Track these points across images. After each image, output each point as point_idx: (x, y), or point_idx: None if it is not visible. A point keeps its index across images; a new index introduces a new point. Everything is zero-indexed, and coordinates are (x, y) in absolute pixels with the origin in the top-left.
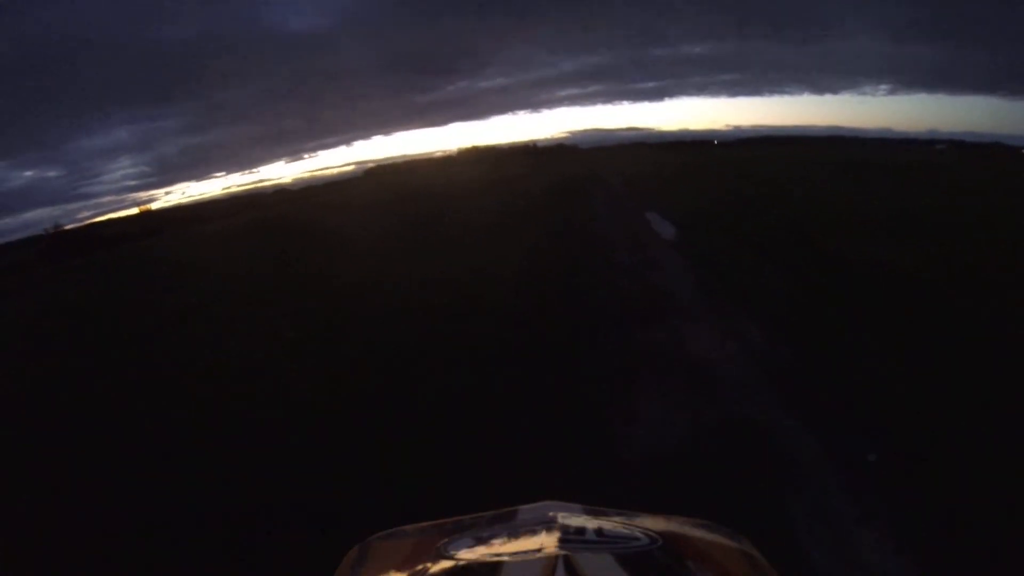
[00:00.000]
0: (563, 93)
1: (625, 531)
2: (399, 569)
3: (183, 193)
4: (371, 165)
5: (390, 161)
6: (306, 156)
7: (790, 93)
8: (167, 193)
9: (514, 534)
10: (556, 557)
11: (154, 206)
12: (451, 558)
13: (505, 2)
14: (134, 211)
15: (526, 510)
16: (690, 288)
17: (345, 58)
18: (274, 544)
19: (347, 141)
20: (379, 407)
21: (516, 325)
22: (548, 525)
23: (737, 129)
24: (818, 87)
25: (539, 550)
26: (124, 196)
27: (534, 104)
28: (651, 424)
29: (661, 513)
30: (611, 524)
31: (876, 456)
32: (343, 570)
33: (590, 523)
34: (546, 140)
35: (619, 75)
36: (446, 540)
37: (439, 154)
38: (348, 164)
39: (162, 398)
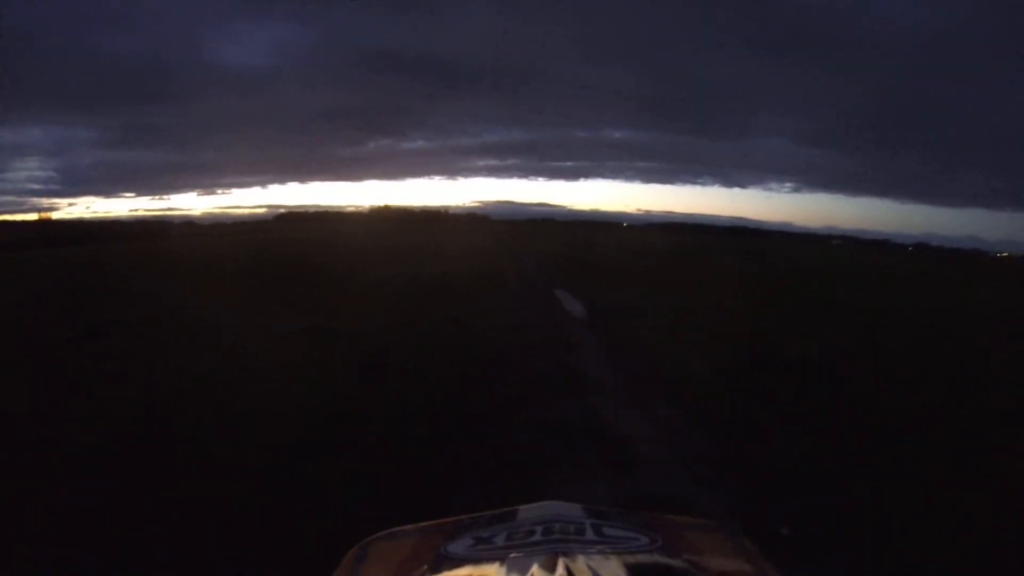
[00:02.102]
0: (481, 163)
1: (625, 531)
2: (399, 569)
3: (87, 208)
4: (283, 211)
5: (303, 209)
6: (219, 191)
7: (701, 184)
8: (70, 204)
9: (514, 534)
10: (556, 557)
11: (55, 215)
12: (451, 558)
13: (436, 68)
14: (33, 216)
15: (526, 510)
16: (601, 367)
17: (273, 101)
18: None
19: (263, 183)
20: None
21: (422, 396)
22: (548, 525)
23: (648, 214)
24: (727, 180)
25: (539, 551)
26: (25, 199)
27: (451, 171)
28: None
29: (661, 513)
30: (611, 524)
31: (788, 530)
32: (343, 570)
33: (590, 523)
34: (459, 208)
35: (538, 152)
36: (446, 540)
37: (352, 209)
38: (261, 206)
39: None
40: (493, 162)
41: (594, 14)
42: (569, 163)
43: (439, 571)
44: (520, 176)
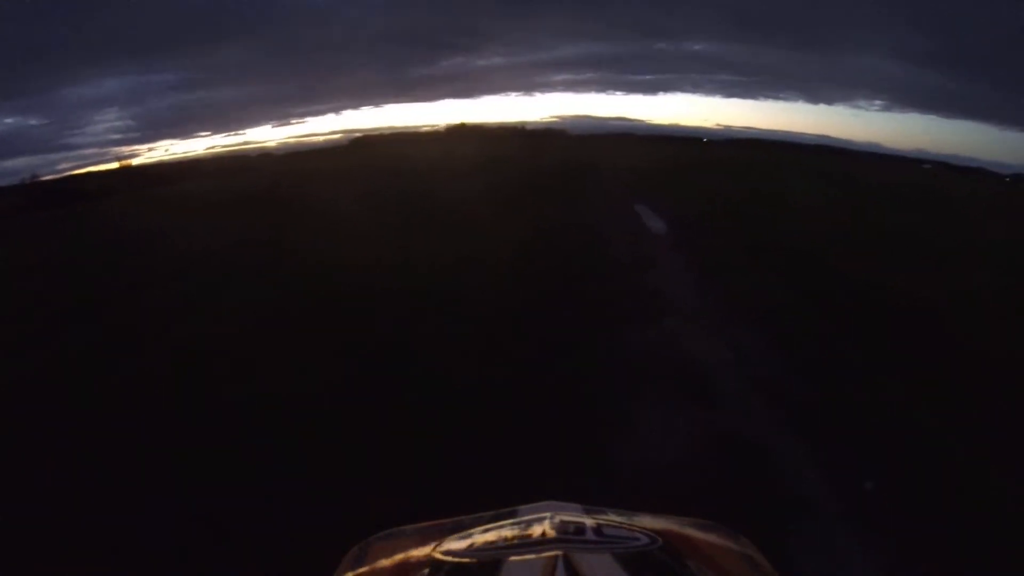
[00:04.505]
0: (558, 78)
1: (625, 531)
2: (399, 569)
3: (167, 150)
4: (359, 135)
5: (378, 132)
6: (294, 121)
7: (784, 99)
8: (150, 149)
9: (514, 534)
10: (556, 557)
11: (135, 161)
12: (451, 558)
13: None
14: (115, 165)
15: (526, 510)
16: (684, 289)
17: (339, 27)
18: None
19: (336, 110)
20: (360, 396)
21: (505, 317)
22: (548, 525)
23: (728, 129)
24: (813, 96)
25: (539, 550)
26: (107, 149)
27: (527, 87)
28: (645, 430)
29: (661, 513)
30: (611, 524)
31: (873, 484)
32: (343, 570)
33: (590, 523)
34: (536, 123)
35: (615, 65)
36: (446, 540)
37: (428, 129)
38: (336, 133)
39: (118, 371)
40: (569, 76)
41: None
42: (647, 76)
43: (439, 571)
44: (597, 90)
